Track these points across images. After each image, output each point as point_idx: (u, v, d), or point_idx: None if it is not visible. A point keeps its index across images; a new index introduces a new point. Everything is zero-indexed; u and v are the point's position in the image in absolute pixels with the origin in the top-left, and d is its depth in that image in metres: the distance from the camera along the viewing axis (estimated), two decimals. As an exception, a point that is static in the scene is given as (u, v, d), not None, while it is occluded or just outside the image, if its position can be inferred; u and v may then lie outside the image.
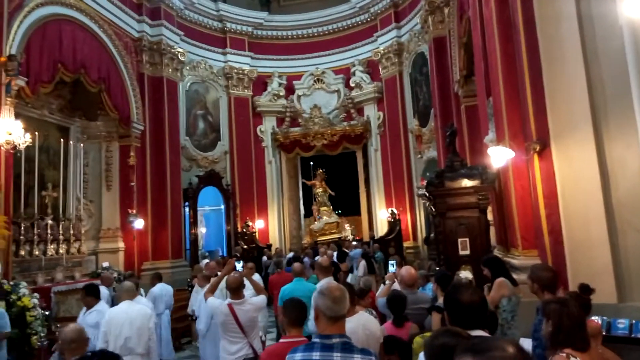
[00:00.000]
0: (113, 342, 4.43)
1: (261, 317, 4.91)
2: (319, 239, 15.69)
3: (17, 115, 8.37)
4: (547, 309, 2.41)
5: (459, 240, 5.99)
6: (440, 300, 3.86)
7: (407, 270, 4.29)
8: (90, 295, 5.16)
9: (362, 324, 3.14)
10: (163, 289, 7.67)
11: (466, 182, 6.21)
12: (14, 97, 8.31)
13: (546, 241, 5.02)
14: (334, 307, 2.28)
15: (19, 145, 7.39)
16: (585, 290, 3.52)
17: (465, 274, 4.56)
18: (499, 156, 5.31)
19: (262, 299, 5.02)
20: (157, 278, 7.85)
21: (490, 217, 6.44)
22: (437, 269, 7.62)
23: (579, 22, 4.48)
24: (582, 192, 4.55)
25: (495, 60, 5.78)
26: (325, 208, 16.90)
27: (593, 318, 3.88)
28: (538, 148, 4.83)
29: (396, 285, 4.81)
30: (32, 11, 9.24)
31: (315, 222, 16.76)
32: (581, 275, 4.49)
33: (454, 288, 2.07)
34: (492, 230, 6.54)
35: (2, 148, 7.29)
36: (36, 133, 9.19)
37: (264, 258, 13.32)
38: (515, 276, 4.84)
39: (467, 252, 5.94)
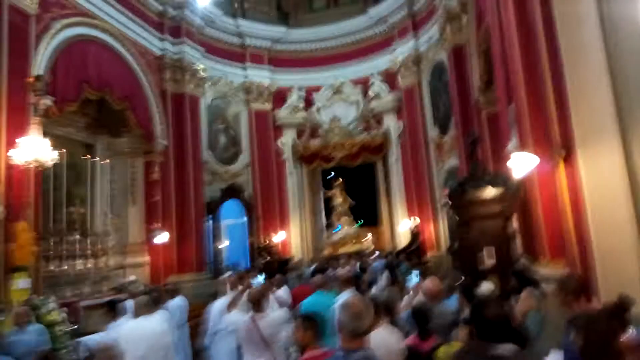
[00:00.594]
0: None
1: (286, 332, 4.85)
2: (339, 250, 15.60)
3: (45, 134, 8.61)
4: (576, 323, 2.33)
5: (484, 249, 5.88)
6: (467, 312, 3.79)
7: (432, 281, 4.22)
8: (112, 311, 5.23)
9: (381, 338, 3.09)
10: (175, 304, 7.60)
11: (489, 191, 6.11)
12: (41, 116, 8.57)
13: (574, 250, 4.89)
14: (355, 322, 2.24)
15: (47, 163, 7.58)
16: (624, 301, 3.39)
17: (487, 285, 4.46)
18: (523, 163, 5.21)
19: (284, 312, 5.01)
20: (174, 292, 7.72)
21: (515, 225, 6.31)
22: (463, 278, 7.51)
23: (601, 24, 4.40)
24: (610, 199, 4.42)
25: (516, 67, 5.71)
26: (345, 218, 16.77)
27: (631, 330, 3.74)
28: (563, 154, 4.73)
29: (420, 297, 4.74)
30: (58, 32, 9.56)
31: (335, 233, 16.64)
32: (611, 285, 4.35)
33: (479, 302, 2.02)
34: (518, 239, 6.41)
35: (31, 166, 7.49)
36: (63, 151, 9.44)
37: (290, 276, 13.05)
38: (544, 286, 4.73)
39: (493, 261, 5.83)
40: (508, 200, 6.00)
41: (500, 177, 6.17)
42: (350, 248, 15.73)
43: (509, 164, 5.98)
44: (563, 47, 4.65)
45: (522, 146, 5.63)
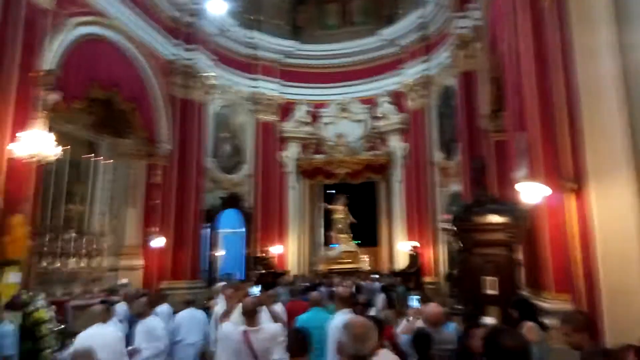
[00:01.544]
0: None
1: (281, 350, 4.70)
2: (333, 267, 15.37)
3: (50, 129, 8.55)
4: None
5: (487, 278, 5.75)
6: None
7: (433, 308, 4.10)
8: (109, 310, 5.09)
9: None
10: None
11: (495, 218, 6.01)
12: (48, 111, 8.52)
13: (580, 285, 4.77)
14: (355, 345, 2.13)
15: (49, 158, 7.50)
16: None
17: (490, 320, 4.33)
18: (532, 193, 5.12)
19: (279, 326, 4.87)
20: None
21: (519, 256, 6.19)
22: (459, 307, 7.35)
23: (620, 55, 4.36)
24: (621, 235, 4.33)
25: (529, 95, 5.66)
26: (344, 236, 16.53)
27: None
28: (575, 187, 4.65)
29: (419, 323, 4.61)
30: (72, 30, 9.57)
31: (332, 249, 16.39)
32: (617, 323, 4.23)
33: (495, 331, 1.91)
34: (521, 270, 6.28)
35: (33, 160, 7.41)
36: (67, 147, 9.38)
37: (279, 288, 12.64)
38: (546, 321, 4.60)
39: (495, 291, 5.70)
40: (514, 229, 5.89)
41: (507, 205, 6.07)
42: (345, 266, 15.53)
43: (517, 192, 5.90)
44: (580, 77, 4.60)
45: (532, 176, 5.55)
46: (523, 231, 5.99)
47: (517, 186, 5.41)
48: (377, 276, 13.46)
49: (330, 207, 17.02)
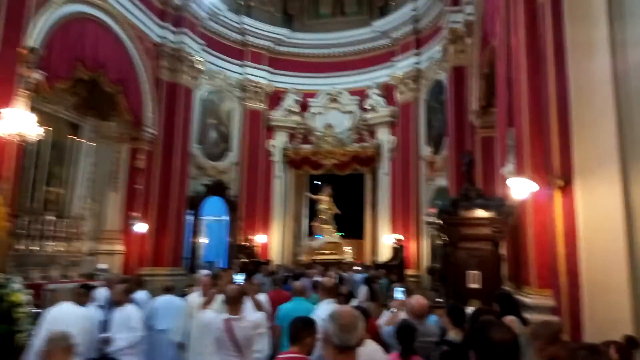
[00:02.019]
0: None
1: (263, 341, 4.63)
2: (316, 258, 15.34)
3: (32, 109, 8.32)
4: (576, 356, 2.21)
5: (470, 272, 5.77)
6: (451, 335, 3.65)
7: (418, 300, 4.08)
8: (87, 294, 4.99)
9: (367, 352, 2.93)
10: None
11: (481, 213, 6.02)
12: (30, 90, 8.28)
13: (562, 281, 4.80)
14: (343, 335, 2.07)
15: (31, 138, 7.30)
16: (632, 343, 3.29)
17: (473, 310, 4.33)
18: (519, 189, 5.13)
19: (261, 315, 4.81)
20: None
21: (503, 251, 6.22)
22: (440, 300, 7.38)
23: (612, 54, 4.36)
24: (605, 233, 4.36)
25: (520, 91, 5.65)
26: (327, 226, 16.42)
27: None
28: (561, 183, 4.66)
29: (402, 314, 4.59)
30: (58, 7, 9.30)
31: (315, 240, 16.32)
32: (598, 320, 4.28)
33: (482, 324, 1.88)
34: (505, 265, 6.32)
35: (13, 140, 7.20)
36: (50, 128, 9.15)
37: (258, 275, 12.48)
38: (527, 315, 4.62)
39: (477, 285, 5.72)
40: (499, 224, 5.91)
41: (494, 200, 6.09)
42: (328, 257, 15.51)
43: (502, 188, 5.91)
44: (572, 73, 4.60)
45: (520, 171, 5.56)
46: (508, 226, 6.01)
47: (507, 182, 5.42)
48: (359, 268, 13.47)
49: (314, 197, 16.96)
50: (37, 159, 9.62)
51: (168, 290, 6.65)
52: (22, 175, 8.57)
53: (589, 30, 4.44)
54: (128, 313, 4.95)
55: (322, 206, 16.56)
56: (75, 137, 10.80)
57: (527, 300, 5.35)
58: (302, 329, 2.87)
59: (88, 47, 10.21)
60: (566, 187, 4.67)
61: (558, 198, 4.79)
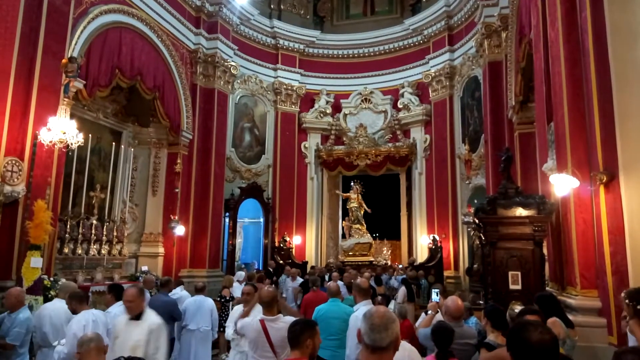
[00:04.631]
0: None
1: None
2: (346, 260, 15.19)
3: (73, 117, 8.64)
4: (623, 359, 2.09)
5: (510, 273, 5.58)
6: (491, 337, 3.54)
7: (454, 301, 3.97)
8: (111, 294, 5.11)
9: (407, 355, 2.87)
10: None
11: (521, 211, 5.81)
12: (71, 99, 8.61)
13: (609, 281, 4.59)
14: (371, 334, 2.04)
15: (72, 145, 7.58)
16: None
17: (519, 309, 4.17)
18: (561, 185, 4.92)
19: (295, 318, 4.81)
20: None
21: (545, 250, 6.00)
22: (481, 302, 7.19)
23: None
24: (654, 230, 4.14)
25: (559, 84, 5.43)
26: (358, 226, 16.18)
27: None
28: (605, 179, 4.45)
29: (439, 316, 4.49)
30: (96, 18, 9.63)
31: (345, 240, 16.16)
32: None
33: (520, 325, 1.79)
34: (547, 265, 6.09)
35: (55, 146, 7.49)
36: (89, 135, 9.47)
37: (283, 276, 11.94)
38: (571, 317, 4.43)
39: (518, 286, 5.52)
40: (540, 222, 5.69)
41: (533, 198, 5.86)
42: (358, 259, 15.26)
43: (541, 185, 5.68)
44: (613, 62, 4.39)
45: (561, 168, 5.34)
46: (550, 225, 5.78)
47: (549, 179, 5.21)
48: (399, 267, 13.30)
49: (343, 195, 16.79)
50: (80, 165, 9.98)
51: (199, 290, 6.76)
52: (64, 181, 8.90)
53: (631, 15, 4.22)
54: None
55: (352, 204, 16.33)
56: (116, 143, 11.14)
57: (571, 301, 5.14)
58: (301, 332, 2.82)
59: (125, 55, 10.51)
60: (611, 182, 4.46)
61: (602, 194, 4.58)
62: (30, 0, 7.82)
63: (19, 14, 7.56)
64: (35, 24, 7.95)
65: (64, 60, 7.87)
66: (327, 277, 10.00)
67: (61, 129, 7.25)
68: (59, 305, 4.99)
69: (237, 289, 8.47)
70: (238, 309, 5.66)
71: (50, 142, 7.22)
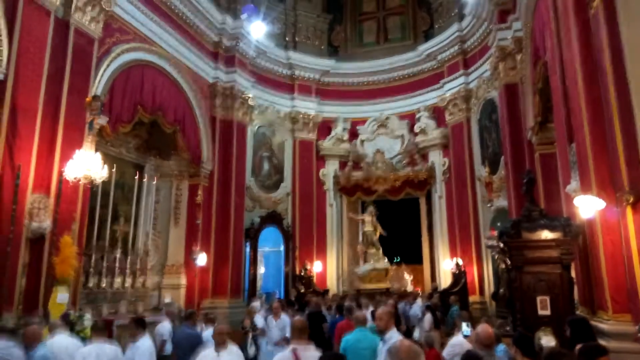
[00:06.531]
0: None
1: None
2: (361, 287, 14.70)
3: (97, 151, 8.87)
4: None
5: (538, 298, 5.44)
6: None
7: (485, 329, 3.87)
8: (138, 327, 5.13)
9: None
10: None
11: (547, 234, 5.70)
12: (95, 135, 8.87)
13: (642, 305, 4.44)
14: None
15: (96, 180, 7.76)
16: None
17: (547, 339, 4.05)
18: (586, 207, 4.84)
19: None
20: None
21: (573, 274, 5.84)
22: (508, 328, 6.99)
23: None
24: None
25: (578, 105, 5.40)
26: (373, 250, 15.54)
27: None
28: (631, 199, 4.36)
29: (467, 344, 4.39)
30: (118, 56, 9.99)
31: (360, 267, 15.53)
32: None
33: (551, 356, 1.75)
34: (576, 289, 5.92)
35: (80, 182, 7.68)
36: (113, 170, 9.69)
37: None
38: (604, 343, 4.28)
39: (547, 312, 5.37)
40: (567, 245, 5.57)
41: (559, 221, 5.75)
42: (373, 286, 14.63)
43: (565, 207, 5.59)
44: (632, 79, 4.35)
45: (585, 189, 5.25)
46: (577, 247, 5.65)
47: (573, 200, 5.13)
48: (419, 294, 12.98)
49: (356, 218, 16.39)
50: (103, 198, 10.17)
51: (210, 321, 6.79)
52: (90, 215, 9.08)
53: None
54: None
55: (366, 228, 15.79)
56: (138, 177, 11.36)
57: (603, 326, 4.97)
58: None
59: (147, 92, 10.82)
60: (637, 202, 4.36)
61: (629, 215, 4.48)
62: (57, 42, 8.19)
63: (46, 55, 7.92)
64: (61, 64, 8.30)
65: (88, 99, 8.16)
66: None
67: (87, 165, 7.44)
68: (65, 341, 5.06)
69: (258, 319, 8.45)
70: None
71: (75, 178, 7.41)
